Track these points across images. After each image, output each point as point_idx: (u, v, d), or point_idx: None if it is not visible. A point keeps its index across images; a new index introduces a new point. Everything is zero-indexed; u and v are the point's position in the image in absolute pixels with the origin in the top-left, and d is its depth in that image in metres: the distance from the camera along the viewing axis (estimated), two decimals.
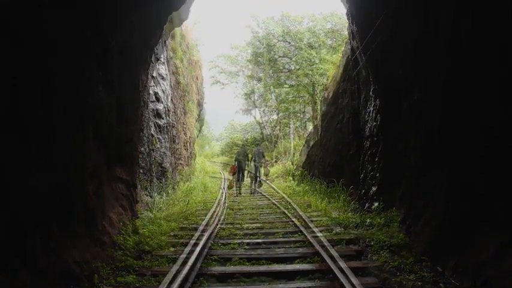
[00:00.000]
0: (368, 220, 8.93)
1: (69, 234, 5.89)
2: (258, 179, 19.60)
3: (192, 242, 7.73)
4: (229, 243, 8.10)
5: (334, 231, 8.64)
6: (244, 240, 8.26)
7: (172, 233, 8.98)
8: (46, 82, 5.46)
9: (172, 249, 7.74)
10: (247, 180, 20.44)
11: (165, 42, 15.00)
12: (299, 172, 20.80)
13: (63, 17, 5.78)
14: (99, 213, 7.19)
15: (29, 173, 5.06)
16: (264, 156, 20.51)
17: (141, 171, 12.27)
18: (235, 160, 19.80)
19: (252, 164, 19.60)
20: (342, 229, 8.77)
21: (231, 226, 9.88)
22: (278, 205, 13.38)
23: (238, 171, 19.26)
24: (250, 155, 20.24)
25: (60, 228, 5.65)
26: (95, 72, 7.08)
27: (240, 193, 18.64)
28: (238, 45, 52.56)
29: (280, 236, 8.72)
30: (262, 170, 19.86)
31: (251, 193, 18.97)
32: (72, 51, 6.18)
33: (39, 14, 5.23)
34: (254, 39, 47.58)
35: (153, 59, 13.52)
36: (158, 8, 9.37)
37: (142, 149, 12.02)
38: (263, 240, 8.31)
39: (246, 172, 19.66)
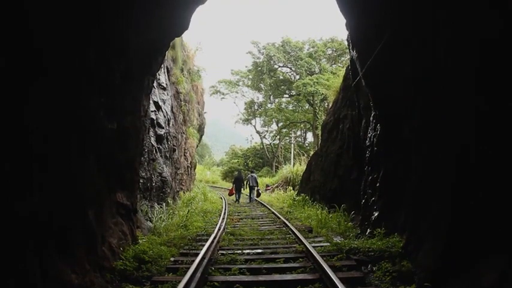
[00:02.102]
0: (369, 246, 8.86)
1: (69, 258, 5.85)
2: (253, 196, 26.03)
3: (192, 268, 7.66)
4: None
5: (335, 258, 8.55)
6: None
7: (172, 259, 8.91)
8: (48, 106, 5.50)
9: (172, 274, 7.68)
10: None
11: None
12: (300, 197, 20.90)
13: (70, 39, 5.86)
14: (99, 238, 7.15)
15: (28, 196, 5.05)
16: (256, 181, 26.83)
17: (141, 187, 12.29)
18: (233, 183, 26.94)
19: (248, 187, 26.54)
20: (344, 255, 8.68)
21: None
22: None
23: (236, 192, 26.02)
24: (245, 180, 27.49)
25: (60, 253, 5.62)
26: (97, 97, 7.12)
27: (239, 202, 25.49)
28: (239, 70, 53.22)
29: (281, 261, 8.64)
30: (255, 191, 26.37)
31: (250, 201, 25.74)
32: (75, 76, 6.24)
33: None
34: (255, 57, 47.92)
35: (155, 84, 13.64)
36: (160, 34, 9.48)
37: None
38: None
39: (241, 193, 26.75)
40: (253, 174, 27.58)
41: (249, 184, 26.26)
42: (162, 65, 15.11)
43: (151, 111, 14.04)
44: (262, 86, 50.83)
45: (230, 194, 26.96)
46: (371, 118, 11.32)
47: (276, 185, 35.49)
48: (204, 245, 9.25)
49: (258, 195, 26.75)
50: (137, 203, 10.43)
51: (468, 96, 5.89)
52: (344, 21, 10.97)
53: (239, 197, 26.18)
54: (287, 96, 51.83)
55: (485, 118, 5.49)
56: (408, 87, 8.18)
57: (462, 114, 6.04)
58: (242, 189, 27.10)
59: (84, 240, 6.49)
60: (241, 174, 28.17)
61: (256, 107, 55.62)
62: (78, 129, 6.38)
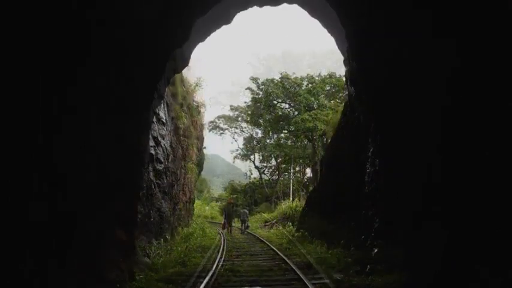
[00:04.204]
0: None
1: None
2: (244, 229, 28.44)
3: None
4: None
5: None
6: None
7: None
8: None
9: None
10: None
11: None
12: (299, 233, 20.71)
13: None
14: (95, 278, 7.07)
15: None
16: (247, 216, 30.01)
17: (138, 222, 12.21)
18: (224, 218, 29.14)
19: (240, 220, 29.71)
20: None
21: None
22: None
23: (228, 224, 28.20)
24: (236, 215, 31.77)
25: None
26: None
27: (231, 233, 27.34)
28: (238, 106, 53.70)
29: None
30: (246, 224, 29.00)
31: (241, 233, 27.79)
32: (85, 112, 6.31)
33: None
34: (254, 93, 48.43)
35: (154, 119, 13.75)
36: (159, 71, 9.60)
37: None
38: None
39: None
40: (245, 210, 31.12)
41: (241, 218, 29.47)
42: (162, 101, 15.21)
43: (151, 147, 14.07)
44: (261, 121, 51.05)
45: (224, 228, 28.29)
46: (369, 153, 11.37)
47: (275, 220, 35.17)
48: (202, 282, 9.12)
49: (247, 227, 29.27)
50: (135, 239, 10.34)
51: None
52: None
53: (231, 229, 28.15)
54: (286, 132, 52.02)
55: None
56: (406, 117, 8.27)
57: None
58: (232, 222, 29.33)
59: (82, 281, 6.42)
60: (230, 208, 30.13)
61: (255, 143, 55.67)
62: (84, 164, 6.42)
